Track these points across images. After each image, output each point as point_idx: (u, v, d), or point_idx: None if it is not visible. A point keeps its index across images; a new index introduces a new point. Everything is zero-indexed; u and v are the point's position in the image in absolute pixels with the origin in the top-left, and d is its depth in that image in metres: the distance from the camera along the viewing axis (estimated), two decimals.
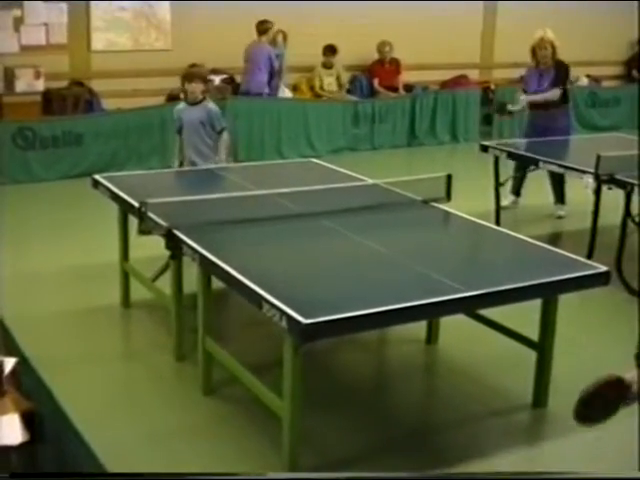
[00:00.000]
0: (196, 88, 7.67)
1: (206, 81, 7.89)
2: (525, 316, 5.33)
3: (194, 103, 7.71)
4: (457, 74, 14.76)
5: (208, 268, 5.07)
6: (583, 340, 6.31)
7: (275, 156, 11.75)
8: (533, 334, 5.27)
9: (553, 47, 9.08)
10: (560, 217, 9.39)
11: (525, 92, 9.27)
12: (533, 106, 9.21)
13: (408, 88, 14.12)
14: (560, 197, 9.45)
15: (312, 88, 13.51)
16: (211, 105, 7.74)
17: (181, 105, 7.92)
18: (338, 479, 3.73)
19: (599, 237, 7.58)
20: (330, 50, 13.33)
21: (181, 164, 7.75)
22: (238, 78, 12.80)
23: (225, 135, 7.78)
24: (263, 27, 12.47)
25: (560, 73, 9.17)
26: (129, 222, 6.48)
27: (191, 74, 7.96)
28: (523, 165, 8.75)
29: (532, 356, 5.28)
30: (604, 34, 15.58)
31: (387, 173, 7.90)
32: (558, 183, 9.33)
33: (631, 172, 7.14)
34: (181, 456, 4.76)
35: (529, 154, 8.22)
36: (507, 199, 9.52)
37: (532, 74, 9.32)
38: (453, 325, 5.80)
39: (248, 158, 11.17)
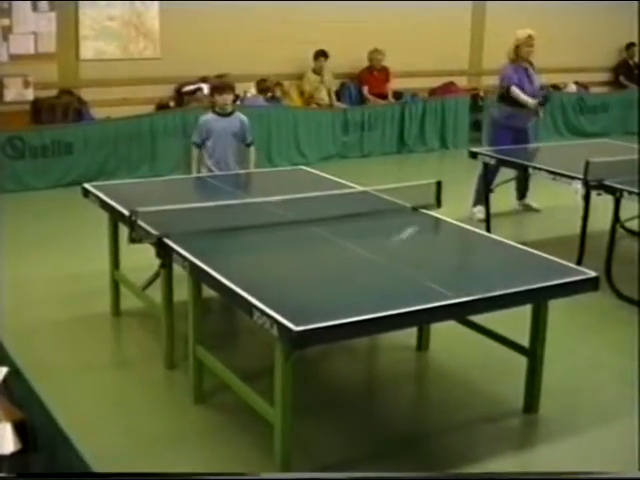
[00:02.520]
0: (228, 99, 7.68)
1: (234, 92, 7.84)
2: (515, 322, 5.34)
3: (225, 114, 7.70)
4: (446, 81, 14.78)
5: (199, 276, 5.07)
6: (573, 345, 6.32)
7: (265, 164, 11.74)
8: (523, 340, 5.28)
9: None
10: (537, 210, 9.55)
11: (522, 90, 9.22)
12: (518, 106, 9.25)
13: (397, 95, 14.14)
14: (524, 193, 9.65)
15: (302, 94, 13.51)
16: (243, 117, 7.76)
17: (208, 116, 7.83)
18: (337, 479, 3.74)
19: (588, 243, 7.60)
20: (321, 55, 13.33)
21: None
22: None
23: (253, 148, 7.79)
24: (262, 85, 12.78)
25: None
26: (119, 231, 6.48)
27: (222, 85, 7.94)
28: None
29: (523, 362, 5.28)
30: (592, 41, 15.62)
31: (377, 180, 7.91)
32: (524, 180, 9.45)
33: (620, 178, 7.16)
34: (172, 464, 4.76)
35: (518, 160, 8.24)
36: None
37: (519, 73, 9.28)
38: (444, 331, 5.81)
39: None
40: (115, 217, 6.35)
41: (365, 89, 13.91)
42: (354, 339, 5.44)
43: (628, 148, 8.99)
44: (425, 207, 6.21)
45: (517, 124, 9.29)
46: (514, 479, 3.87)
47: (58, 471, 3.21)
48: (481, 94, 14.44)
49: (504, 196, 9.39)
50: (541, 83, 9.63)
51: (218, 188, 7.15)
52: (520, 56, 9.22)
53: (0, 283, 7.14)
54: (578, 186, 7.34)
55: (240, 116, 7.77)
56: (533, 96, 9.15)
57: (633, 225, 8.52)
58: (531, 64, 9.36)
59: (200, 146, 7.78)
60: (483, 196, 8.93)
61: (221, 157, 7.70)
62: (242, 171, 7.67)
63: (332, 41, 13.27)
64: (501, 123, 9.41)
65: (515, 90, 9.13)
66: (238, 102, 12.52)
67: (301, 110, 13.08)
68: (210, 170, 7.66)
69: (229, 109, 7.72)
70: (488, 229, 8.42)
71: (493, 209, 8.89)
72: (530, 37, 9.18)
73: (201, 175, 7.53)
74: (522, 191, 9.77)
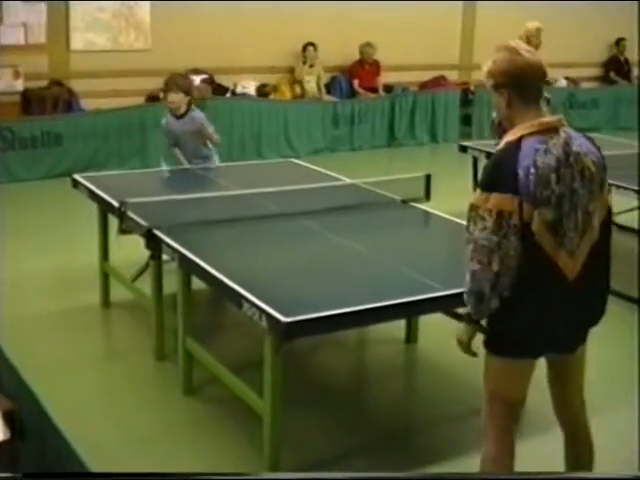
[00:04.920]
0: (174, 98, 7.39)
1: (189, 92, 7.49)
2: None
3: (179, 116, 7.50)
4: (436, 75, 14.80)
5: (188, 268, 5.08)
6: None
7: (255, 157, 11.76)
8: None
9: (539, 40, 9.24)
10: None
11: None
12: None
13: (387, 89, 14.16)
14: None
15: (292, 87, 13.50)
16: (199, 114, 7.56)
17: (166, 119, 7.66)
18: (338, 479, 3.74)
19: None
20: (310, 45, 13.31)
21: None
22: (218, 78, 12.79)
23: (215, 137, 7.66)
24: (262, 91, 12.96)
25: None
26: (109, 222, 6.48)
27: (166, 83, 7.60)
28: None
29: None
30: (582, 36, 15.64)
31: (366, 173, 7.93)
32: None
33: (611, 172, 7.16)
34: (161, 455, 4.77)
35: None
36: None
37: None
38: (432, 324, 5.82)
39: (228, 158, 11.16)
40: (105, 208, 6.35)
41: (356, 82, 13.92)
42: (343, 331, 5.46)
43: (619, 143, 9.01)
44: (414, 200, 6.23)
45: None
46: (514, 479, 3.88)
47: (47, 460, 3.23)
48: (472, 88, 14.45)
49: None
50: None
51: (208, 180, 7.16)
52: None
53: None
54: None
55: (194, 114, 7.50)
56: None
57: (622, 219, 8.53)
58: None
59: (175, 145, 7.69)
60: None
61: (190, 153, 7.60)
62: (233, 163, 7.64)
63: (323, 34, 13.28)
64: None
65: None
66: (228, 94, 12.54)
67: (291, 103, 13.08)
68: (191, 164, 7.59)
69: (181, 110, 7.45)
70: None
71: None
72: (539, 30, 9.21)
73: (191, 167, 7.51)
74: None
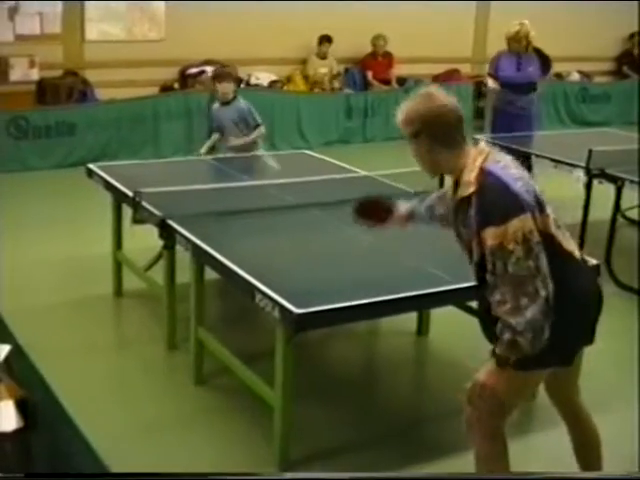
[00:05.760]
0: (226, 88, 7.75)
1: (238, 80, 7.92)
2: None
3: (226, 102, 7.80)
4: (449, 68, 14.77)
5: (201, 258, 5.09)
6: None
7: (267, 148, 11.73)
8: None
9: (527, 40, 9.22)
10: None
11: (494, 78, 9.36)
12: (510, 92, 9.27)
13: (401, 81, 14.13)
14: None
15: (306, 79, 13.50)
16: (242, 104, 7.80)
17: (216, 105, 8.02)
18: (338, 479, 3.75)
19: (589, 231, 7.61)
20: (325, 40, 13.33)
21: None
22: (231, 70, 12.79)
23: (258, 132, 7.77)
24: (275, 86, 13.08)
25: (546, 65, 9.36)
26: (123, 212, 6.50)
27: (222, 73, 8.15)
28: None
29: None
30: (596, 30, 15.58)
31: (379, 165, 7.92)
32: (527, 168, 9.48)
33: (622, 167, 7.18)
34: (172, 445, 4.79)
35: (521, 148, 8.24)
36: None
37: (507, 58, 9.37)
38: (444, 317, 5.83)
39: None
40: (119, 198, 6.37)
41: (369, 74, 13.91)
42: (355, 323, 5.46)
43: (630, 138, 9.00)
44: (427, 192, 6.22)
45: (510, 110, 9.32)
46: (514, 479, 3.89)
47: (59, 449, 3.24)
48: (485, 81, 14.40)
49: None
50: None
51: (222, 171, 7.17)
52: (511, 48, 9.31)
53: (3, 263, 7.15)
54: (580, 174, 7.36)
55: (239, 104, 7.81)
56: (521, 84, 9.21)
57: (633, 214, 8.53)
58: (536, 52, 9.35)
59: (216, 130, 7.97)
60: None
61: (226, 143, 7.77)
62: (245, 154, 7.65)
63: (337, 26, 13.25)
64: (498, 108, 9.50)
65: (487, 78, 9.49)
66: (242, 86, 12.54)
67: (304, 95, 13.08)
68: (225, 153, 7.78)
69: (229, 97, 7.79)
70: None
71: None
72: (517, 33, 9.21)
73: (204, 158, 7.55)
74: None
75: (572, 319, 3.58)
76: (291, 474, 4.49)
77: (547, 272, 3.44)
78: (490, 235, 3.45)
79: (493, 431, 3.81)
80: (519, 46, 9.21)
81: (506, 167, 3.57)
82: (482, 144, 3.74)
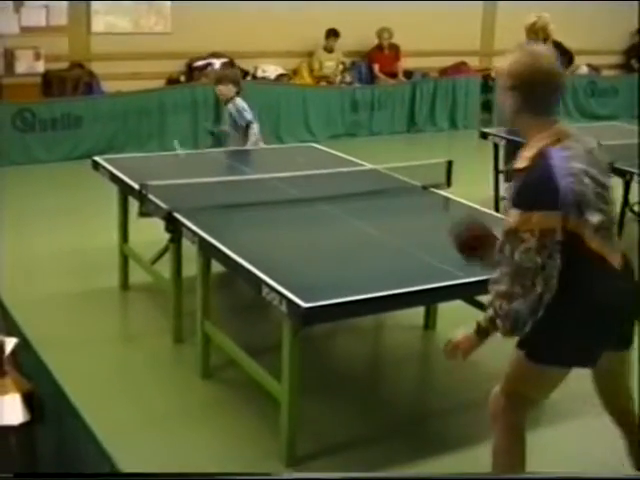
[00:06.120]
0: (222, 90, 7.75)
1: (237, 83, 7.89)
2: None
3: (226, 103, 7.82)
4: (457, 61, 14.74)
5: (208, 251, 5.08)
6: None
7: (273, 141, 11.73)
8: None
9: (546, 33, 9.14)
10: None
11: None
12: None
13: (408, 74, 14.12)
14: None
15: (312, 72, 13.48)
16: (235, 103, 7.74)
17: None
18: (338, 479, 3.75)
19: None
20: (333, 34, 13.31)
21: None
22: (238, 62, 12.77)
23: (253, 127, 7.73)
24: (282, 80, 13.04)
25: (565, 58, 9.30)
26: (129, 204, 6.49)
27: (218, 76, 8.14)
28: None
29: None
30: (604, 23, 15.54)
31: (386, 159, 7.87)
32: None
33: (630, 161, 7.15)
34: (178, 438, 4.78)
35: None
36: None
37: None
38: (451, 311, 5.80)
39: None
40: (125, 191, 6.36)
41: (376, 67, 13.88)
42: (362, 317, 5.45)
43: (638, 132, 8.95)
44: (435, 186, 6.21)
45: None
46: (515, 479, 3.88)
47: (65, 441, 3.24)
48: (492, 75, 14.36)
49: None
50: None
51: (228, 164, 7.16)
52: (528, 40, 9.25)
53: (10, 255, 7.15)
54: None
55: (230, 106, 7.73)
56: None
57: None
58: (556, 45, 9.30)
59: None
60: None
61: (233, 139, 7.76)
62: (253, 147, 7.63)
63: (343, 20, 13.21)
64: None
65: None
66: (248, 78, 12.51)
67: (310, 88, 13.06)
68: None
69: (226, 99, 7.77)
70: (497, 209, 8.39)
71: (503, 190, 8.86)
72: (533, 24, 9.15)
73: (211, 150, 7.54)
74: None
75: (591, 321, 3.56)
76: (293, 474, 4.46)
77: (554, 273, 3.42)
78: (513, 216, 3.46)
79: (513, 425, 3.80)
80: (536, 38, 9.13)
81: (569, 159, 3.47)
82: (568, 128, 3.64)
